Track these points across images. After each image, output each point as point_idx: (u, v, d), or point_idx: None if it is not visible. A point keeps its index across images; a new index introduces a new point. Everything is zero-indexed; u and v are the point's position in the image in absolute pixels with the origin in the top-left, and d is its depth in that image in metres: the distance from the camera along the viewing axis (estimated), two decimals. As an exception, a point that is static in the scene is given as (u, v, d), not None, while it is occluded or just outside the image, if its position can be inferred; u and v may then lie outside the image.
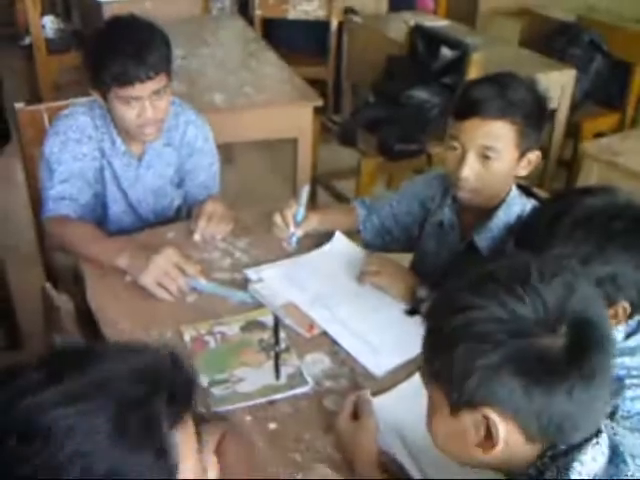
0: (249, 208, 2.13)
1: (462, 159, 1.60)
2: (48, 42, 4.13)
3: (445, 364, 0.91)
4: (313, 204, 3.51)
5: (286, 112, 2.88)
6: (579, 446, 0.92)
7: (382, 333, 1.62)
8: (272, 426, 1.37)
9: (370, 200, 2.05)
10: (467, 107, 1.57)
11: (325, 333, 1.62)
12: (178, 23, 3.45)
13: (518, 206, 1.68)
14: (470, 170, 1.60)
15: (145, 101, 1.83)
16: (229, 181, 3.27)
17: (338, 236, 1.92)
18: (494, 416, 0.89)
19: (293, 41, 4.03)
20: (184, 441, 0.75)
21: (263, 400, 1.43)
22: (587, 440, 0.92)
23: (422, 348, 0.98)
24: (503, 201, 1.68)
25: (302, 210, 1.82)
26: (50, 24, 4.32)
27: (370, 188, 3.39)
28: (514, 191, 1.69)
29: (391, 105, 3.40)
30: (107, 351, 0.78)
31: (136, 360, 0.76)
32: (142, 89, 1.80)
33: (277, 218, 1.82)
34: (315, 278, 1.79)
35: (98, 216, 2.06)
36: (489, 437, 0.91)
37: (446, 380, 0.92)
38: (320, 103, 2.89)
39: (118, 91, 1.80)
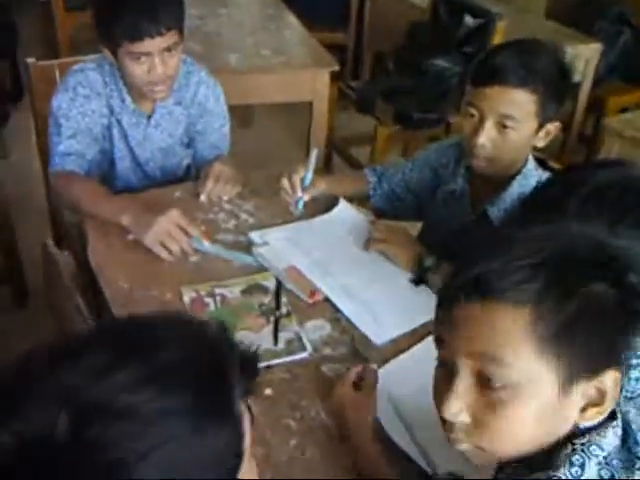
0: (258, 170, 2.10)
1: (479, 127, 1.55)
2: (66, -1, 4.09)
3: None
4: (327, 169, 3.47)
5: (302, 75, 2.83)
6: (599, 427, 0.83)
7: (386, 302, 1.59)
8: (267, 392, 1.35)
9: (382, 167, 2.00)
10: (487, 74, 1.51)
11: (327, 299, 1.59)
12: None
13: (534, 178, 1.63)
14: (487, 138, 1.54)
15: (155, 57, 1.78)
16: (246, 143, 3.26)
17: (342, 203, 1.88)
18: (608, 378, 0.80)
19: (314, 5, 3.95)
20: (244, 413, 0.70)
21: (260, 365, 1.40)
22: (605, 423, 0.83)
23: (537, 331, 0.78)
24: (519, 172, 1.63)
25: (310, 174, 1.79)
26: (68, -20, 4.26)
27: (385, 156, 3.34)
28: (531, 162, 1.64)
29: (411, 73, 3.33)
30: (160, 324, 0.72)
31: (196, 333, 0.71)
32: (152, 45, 1.76)
33: (284, 181, 1.78)
34: (320, 244, 1.76)
35: (105, 173, 2.04)
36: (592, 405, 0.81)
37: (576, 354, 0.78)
38: (337, 68, 2.83)
39: (128, 46, 1.76)
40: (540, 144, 1.60)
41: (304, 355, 1.44)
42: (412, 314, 1.53)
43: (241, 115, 3.90)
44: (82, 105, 1.88)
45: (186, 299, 1.56)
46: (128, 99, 1.94)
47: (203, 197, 1.88)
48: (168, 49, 1.79)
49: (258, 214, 1.87)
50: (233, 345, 0.72)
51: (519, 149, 1.59)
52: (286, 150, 3.82)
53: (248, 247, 1.73)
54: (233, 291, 1.59)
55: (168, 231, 1.64)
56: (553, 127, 1.58)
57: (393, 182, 1.93)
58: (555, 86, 1.52)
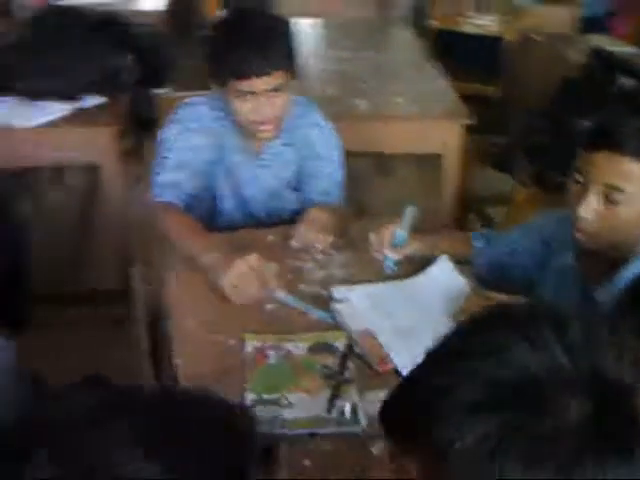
0: (360, 222, 2.01)
1: (583, 196, 1.37)
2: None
3: None
4: (459, 225, 3.32)
5: (432, 126, 2.73)
6: None
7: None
8: (306, 463, 1.24)
9: (489, 232, 1.85)
10: (599, 136, 1.33)
11: (397, 371, 1.45)
12: (347, 23, 3.39)
13: None
14: (589, 209, 1.36)
15: (261, 97, 1.76)
16: (383, 192, 3.18)
17: (442, 261, 1.74)
18: None
19: (465, 55, 3.84)
20: None
21: (305, 432, 1.30)
22: None
23: None
24: (635, 253, 1.42)
25: (403, 233, 1.67)
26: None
27: (521, 218, 3.14)
28: None
29: (557, 132, 3.13)
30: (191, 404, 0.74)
31: (223, 419, 0.73)
32: (258, 84, 1.74)
33: (372, 237, 1.68)
34: (406, 307, 1.63)
35: (208, 209, 2.03)
36: None
37: None
38: (469, 121, 2.70)
39: (235, 84, 1.75)
40: None
41: (356, 429, 1.31)
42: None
43: (380, 163, 3.84)
44: (188, 139, 1.89)
45: (248, 349, 1.49)
46: (237, 136, 1.93)
47: (294, 242, 1.82)
48: (275, 89, 1.76)
49: (349, 268, 1.78)
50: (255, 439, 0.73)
51: (630, 228, 1.38)
52: (420, 201, 3.70)
53: (328, 301, 1.64)
54: (299, 346, 1.51)
55: (244, 275, 1.59)
56: None
57: (499, 249, 1.76)
58: None
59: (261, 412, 1.33)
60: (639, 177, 1.30)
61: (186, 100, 1.96)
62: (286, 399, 1.37)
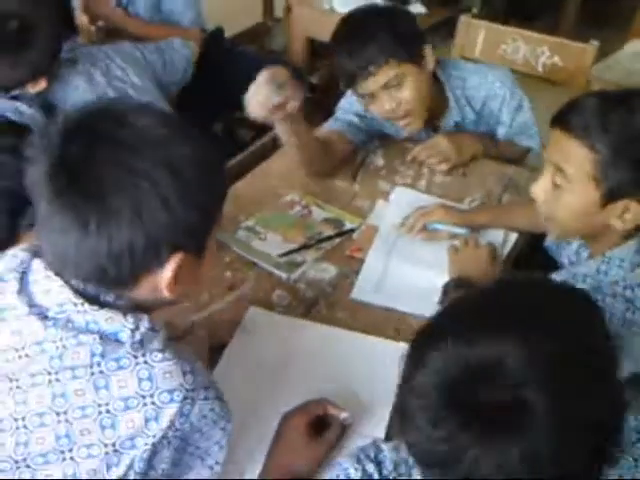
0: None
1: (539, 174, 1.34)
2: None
3: None
4: None
5: None
6: None
7: (400, 280, 1.59)
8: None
9: None
10: (556, 114, 1.27)
11: (362, 260, 1.65)
12: None
13: (620, 270, 1.30)
14: (539, 188, 1.32)
15: (380, 96, 1.78)
16: None
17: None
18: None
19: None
20: None
21: (248, 256, 1.63)
22: None
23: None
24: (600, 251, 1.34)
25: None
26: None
27: None
28: (625, 249, 1.30)
29: None
30: None
31: None
32: (368, 85, 1.75)
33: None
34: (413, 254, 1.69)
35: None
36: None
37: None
38: None
39: (354, 90, 1.82)
40: (618, 225, 1.26)
41: (282, 275, 1.60)
42: (406, 300, 1.52)
43: None
44: None
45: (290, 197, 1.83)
46: None
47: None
48: (389, 84, 1.75)
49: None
50: None
51: (576, 218, 1.30)
52: None
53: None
54: (321, 214, 1.79)
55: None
56: (633, 205, 1.23)
57: None
58: (638, 152, 1.19)
59: (239, 234, 1.69)
60: (578, 159, 1.23)
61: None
62: (263, 234, 1.70)
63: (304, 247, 1.67)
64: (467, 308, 0.82)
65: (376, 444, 0.95)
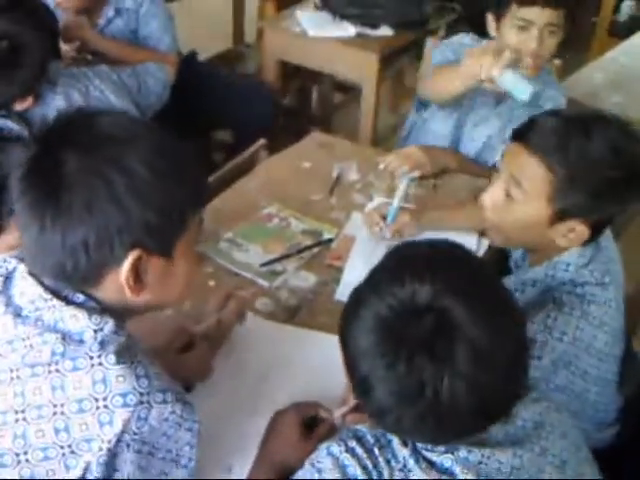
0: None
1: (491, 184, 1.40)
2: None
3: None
4: None
5: None
6: None
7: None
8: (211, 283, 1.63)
9: None
10: (518, 129, 1.34)
11: (341, 268, 1.70)
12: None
13: (566, 274, 1.37)
14: (490, 197, 1.38)
15: (537, 30, 1.86)
16: None
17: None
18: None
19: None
20: None
21: (232, 268, 1.67)
22: None
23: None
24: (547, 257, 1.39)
25: (396, 207, 1.76)
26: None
27: None
28: (570, 255, 1.36)
29: None
30: None
31: None
32: (539, 15, 1.84)
33: (364, 217, 1.83)
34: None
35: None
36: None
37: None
38: None
39: (516, 10, 1.87)
40: (562, 243, 1.33)
41: (264, 284, 1.64)
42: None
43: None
44: None
45: (265, 211, 1.88)
46: None
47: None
48: (552, 25, 1.86)
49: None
50: None
51: (522, 231, 1.36)
52: None
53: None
54: (300, 225, 1.83)
55: None
56: (579, 227, 1.30)
57: None
58: (593, 179, 1.25)
59: (222, 245, 1.74)
60: (535, 177, 1.29)
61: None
62: (245, 247, 1.75)
63: (285, 257, 1.71)
64: (382, 268, 1.01)
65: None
